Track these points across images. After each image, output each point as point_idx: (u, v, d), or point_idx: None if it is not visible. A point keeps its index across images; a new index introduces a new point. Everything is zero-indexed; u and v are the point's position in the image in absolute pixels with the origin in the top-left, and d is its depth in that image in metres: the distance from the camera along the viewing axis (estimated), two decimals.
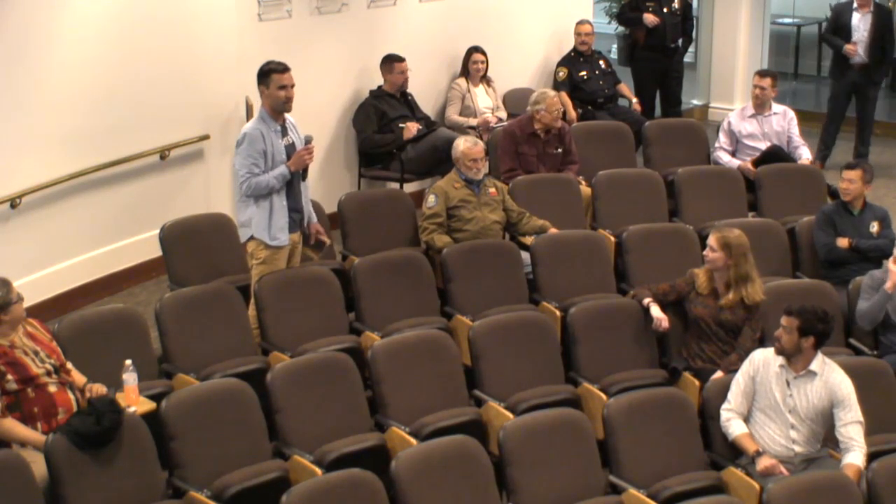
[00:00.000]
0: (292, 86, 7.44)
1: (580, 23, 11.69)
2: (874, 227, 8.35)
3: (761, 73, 10.16)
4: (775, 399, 6.42)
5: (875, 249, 8.24)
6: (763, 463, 6.26)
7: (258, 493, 5.84)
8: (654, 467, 6.25)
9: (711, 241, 7.24)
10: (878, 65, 11.80)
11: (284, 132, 7.51)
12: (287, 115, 7.56)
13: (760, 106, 9.98)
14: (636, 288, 7.69)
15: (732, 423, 6.48)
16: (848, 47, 11.63)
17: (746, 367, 6.55)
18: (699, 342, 7.23)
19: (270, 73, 7.42)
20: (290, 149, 7.48)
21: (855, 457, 6.24)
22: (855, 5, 11.76)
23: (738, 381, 6.54)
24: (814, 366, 6.44)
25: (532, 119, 9.43)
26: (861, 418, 6.34)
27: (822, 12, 14.59)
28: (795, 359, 6.43)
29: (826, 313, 6.47)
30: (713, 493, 6.03)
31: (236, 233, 7.95)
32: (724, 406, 6.53)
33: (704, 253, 7.32)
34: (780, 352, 6.44)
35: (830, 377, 6.42)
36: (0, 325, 6.06)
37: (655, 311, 7.30)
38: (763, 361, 6.52)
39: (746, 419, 6.50)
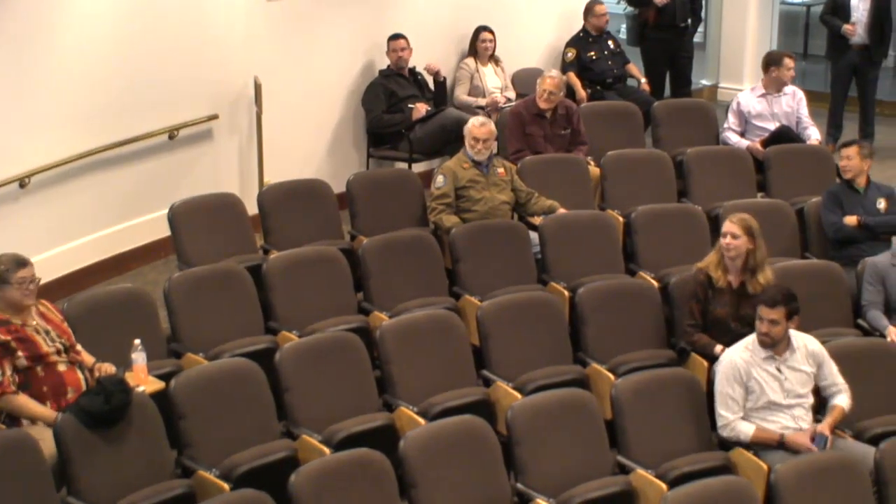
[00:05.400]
0: None
1: (597, 3, 11.59)
2: (881, 204, 8.31)
3: (788, 56, 10.07)
4: (773, 391, 6.35)
5: (884, 225, 8.21)
6: (795, 441, 6.22)
7: (267, 473, 5.85)
8: (662, 448, 6.25)
9: (733, 227, 6.97)
10: (877, 45, 11.66)
11: None
12: None
13: (778, 87, 9.93)
14: (691, 338, 7.05)
15: (740, 425, 6.33)
16: (847, 27, 11.52)
17: (730, 376, 6.35)
18: (717, 337, 6.98)
19: None
20: None
21: (842, 399, 6.40)
22: None
23: (728, 393, 6.36)
24: (792, 342, 6.44)
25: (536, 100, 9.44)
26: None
27: None
28: (780, 344, 6.40)
29: (790, 289, 6.51)
30: (721, 473, 6.01)
31: (245, 212, 7.95)
32: (721, 422, 6.37)
33: (725, 242, 6.99)
34: (769, 345, 6.36)
35: (807, 344, 6.46)
36: None
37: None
38: (743, 364, 6.38)
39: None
